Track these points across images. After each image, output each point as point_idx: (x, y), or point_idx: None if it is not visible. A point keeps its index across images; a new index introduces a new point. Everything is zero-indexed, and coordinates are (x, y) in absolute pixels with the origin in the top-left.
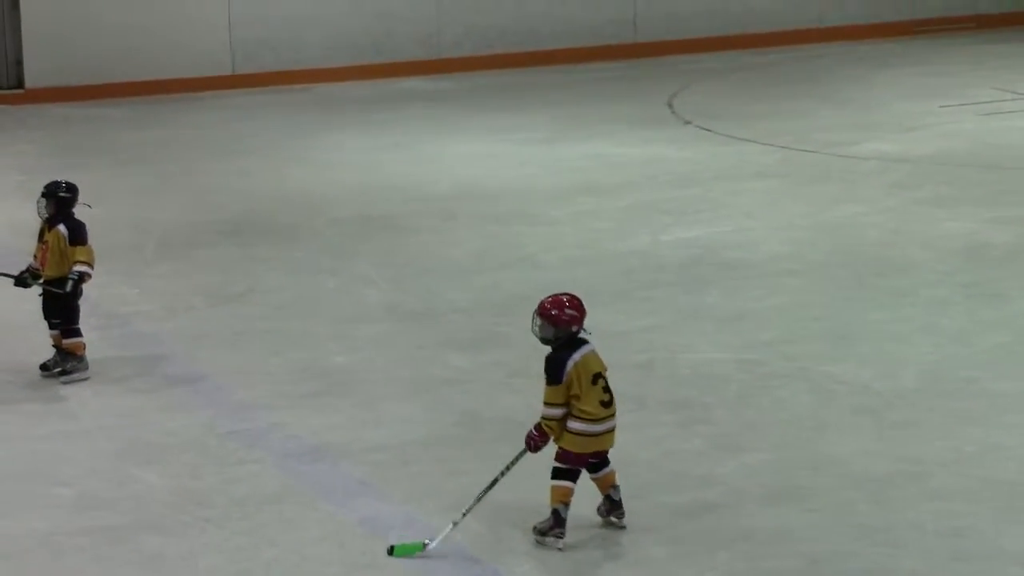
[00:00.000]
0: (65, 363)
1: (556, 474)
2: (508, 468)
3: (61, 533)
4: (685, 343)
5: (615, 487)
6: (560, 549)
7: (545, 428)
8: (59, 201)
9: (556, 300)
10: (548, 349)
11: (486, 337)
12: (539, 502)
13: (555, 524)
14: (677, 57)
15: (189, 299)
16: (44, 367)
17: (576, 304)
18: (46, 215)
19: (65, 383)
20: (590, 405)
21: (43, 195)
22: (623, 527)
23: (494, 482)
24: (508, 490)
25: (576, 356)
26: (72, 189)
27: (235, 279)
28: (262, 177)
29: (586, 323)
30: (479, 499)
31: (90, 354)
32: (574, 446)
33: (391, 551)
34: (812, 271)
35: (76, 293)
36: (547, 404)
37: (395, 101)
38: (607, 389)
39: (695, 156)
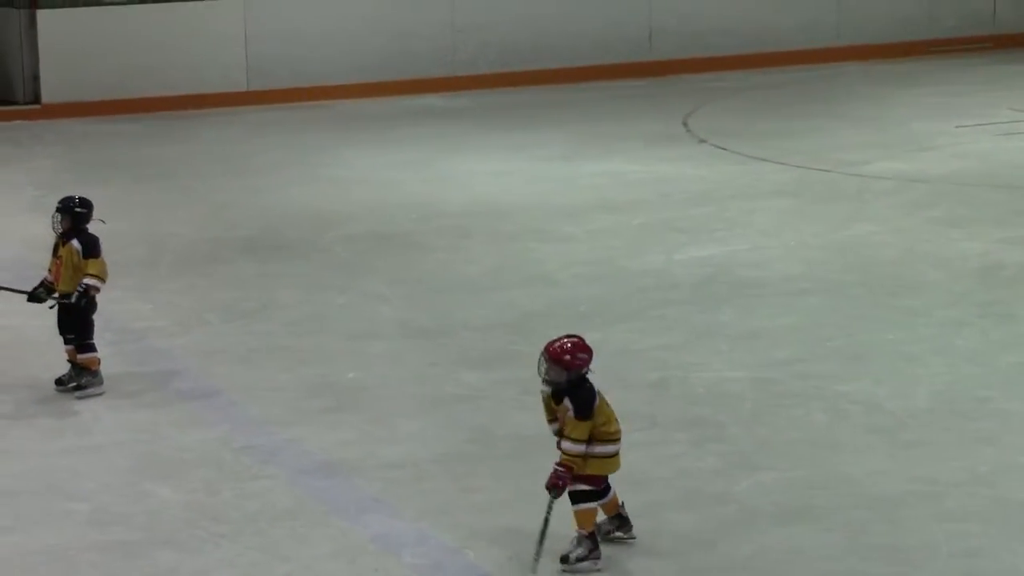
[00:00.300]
0: (80, 378)
1: (580, 498)
2: (548, 518)
3: (75, 548)
4: (699, 362)
5: (622, 504)
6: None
7: (570, 464)
8: (74, 216)
9: (565, 346)
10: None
11: (499, 355)
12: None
13: (593, 547)
14: (693, 75)
15: (203, 315)
16: (59, 382)
17: (585, 347)
18: (60, 230)
19: (80, 398)
20: (615, 425)
21: (58, 210)
22: (633, 538)
23: (544, 531)
24: (514, 515)
25: (596, 389)
26: (87, 204)
27: (249, 295)
28: (276, 194)
29: (597, 339)
30: (541, 546)
31: (104, 369)
32: (602, 469)
33: None
34: (826, 290)
35: (88, 306)
36: (575, 440)
37: (410, 118)
38: None
39: (710, 175)
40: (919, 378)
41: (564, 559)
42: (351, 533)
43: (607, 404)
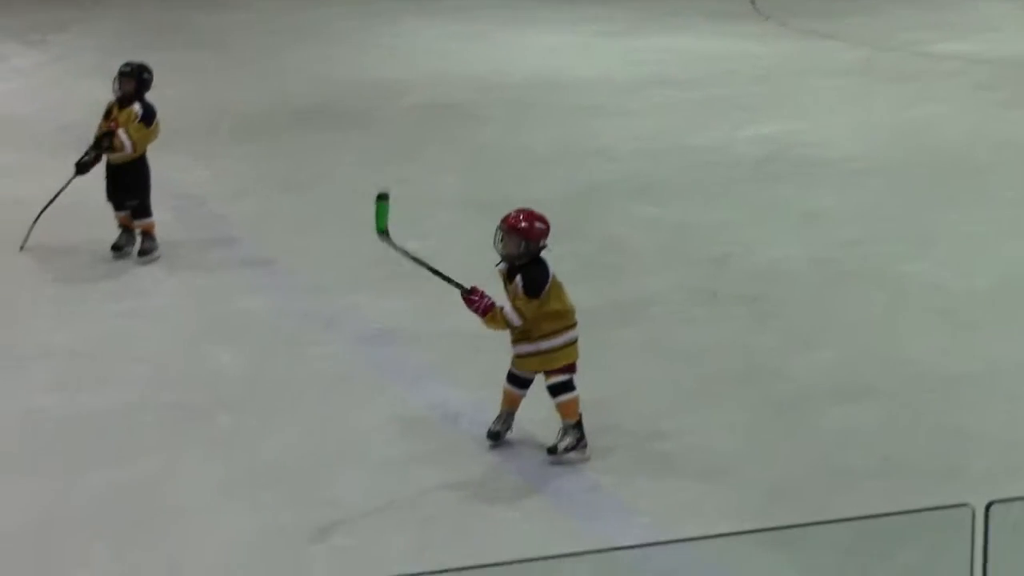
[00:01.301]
0: (144, 243)
1: (560, 390)
2: (438, 274)
3: (136, 409)
4: (759, 239)
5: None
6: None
7: (493, 320)
8: (140, 82)
9: (523, 215)
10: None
11: (559, 227)
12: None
13: (581, 436)
14: None
15: (263, 182)
16: (116, 248)
17: (542, 217)
18: (120, 93)
19: (144, 264)
20: (571, 312)
21: (123, 74)
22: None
23: (428, 268)
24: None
25: (551, 269)
26: (151, 72)
27: (309, 163)
28: (338, 63)
29: (658, 214)
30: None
31: (164, 235)
32: (572, 356)
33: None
34: (890, 170)
35: (141, 170)
36: (518, 312)
37: None
38: None
39: (775, 52)
40: (982, 259)
41: (552, 450)
42: (408, 400)
43: (562, 288)
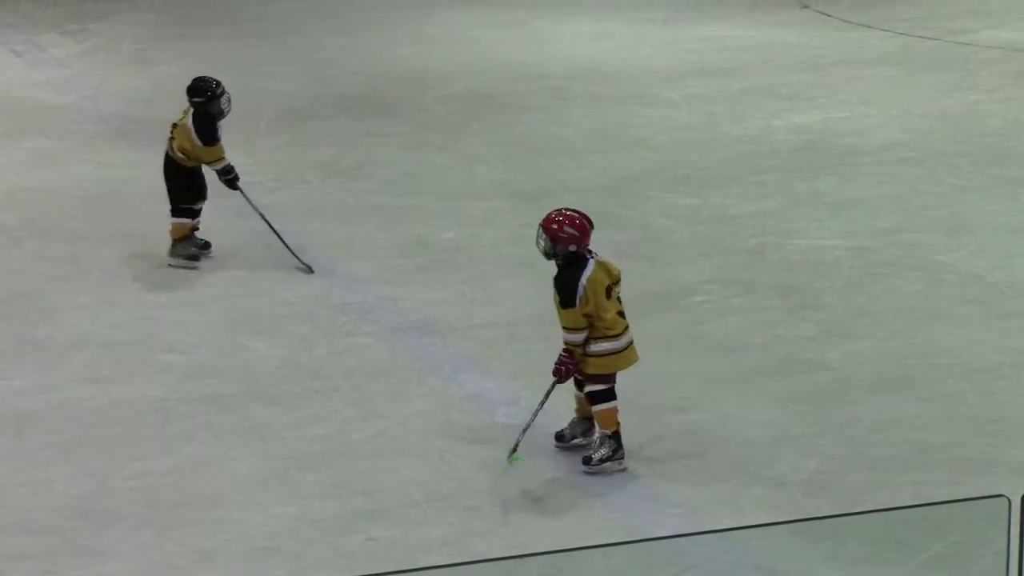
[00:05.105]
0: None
1: (597, 398)
2: (543, 402)
3: (172, 399)
4: (797, 229)
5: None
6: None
7: (570, 351)
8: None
9: (562, 216)
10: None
11: (595, 217)
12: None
13: (618, 447)
14: None
15: (302, 171)
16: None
17: (578, 223)
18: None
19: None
20: (610, 321)
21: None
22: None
23: (534, 416)
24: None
25: (586, 274)
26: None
27: (348, 153)
28: (376, 52)
29: (696, 204)
30: (524, 431)
31: (202, 224)
32: (604, 368)
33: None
34: (928, 160)
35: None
36: (568, 329)
37: None
38: (619, 299)
39: (813, 41)
40: (1020, 249)
41: (587, 460)
42: (445, 391)
43: (604, 293)
